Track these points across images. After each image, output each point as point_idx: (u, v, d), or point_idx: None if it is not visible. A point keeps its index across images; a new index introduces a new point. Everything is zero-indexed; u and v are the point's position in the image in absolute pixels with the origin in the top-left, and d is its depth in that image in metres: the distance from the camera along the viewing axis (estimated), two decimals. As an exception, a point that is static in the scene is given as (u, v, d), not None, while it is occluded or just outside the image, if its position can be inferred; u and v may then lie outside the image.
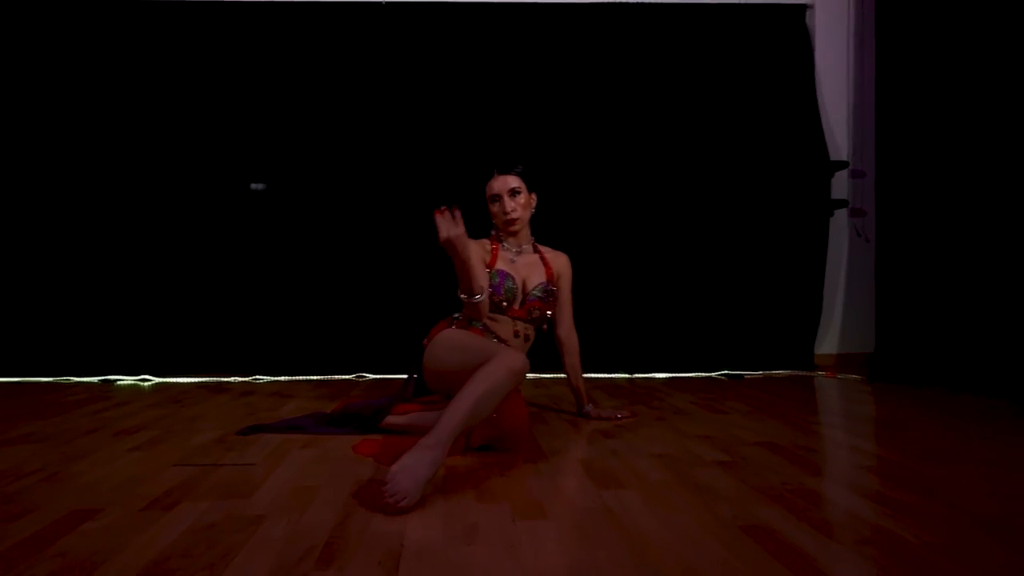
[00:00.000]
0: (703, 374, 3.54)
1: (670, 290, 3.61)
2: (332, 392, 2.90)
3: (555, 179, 3.48)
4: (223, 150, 3.52)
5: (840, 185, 3.76)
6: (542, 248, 2.31)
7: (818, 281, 3.69)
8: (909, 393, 2.88)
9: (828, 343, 3.80)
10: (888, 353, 3.36)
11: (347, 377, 3.43)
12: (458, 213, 1.67)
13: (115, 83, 3.50)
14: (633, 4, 3.68)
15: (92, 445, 1.86)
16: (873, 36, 3.69)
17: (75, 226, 3.46)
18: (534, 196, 2.25)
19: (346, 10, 3.60)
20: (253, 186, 3.53)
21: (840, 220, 3.79)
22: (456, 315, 2.17)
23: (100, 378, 3.35)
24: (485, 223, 2.28)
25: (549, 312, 2.24)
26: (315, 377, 3.42)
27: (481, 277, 2.03)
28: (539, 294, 2.19)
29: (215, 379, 3.33)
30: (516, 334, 2.17)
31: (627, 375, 3.50)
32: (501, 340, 2.12)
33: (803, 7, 3.82)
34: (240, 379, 3.35)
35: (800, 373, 3.57)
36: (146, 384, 3.24)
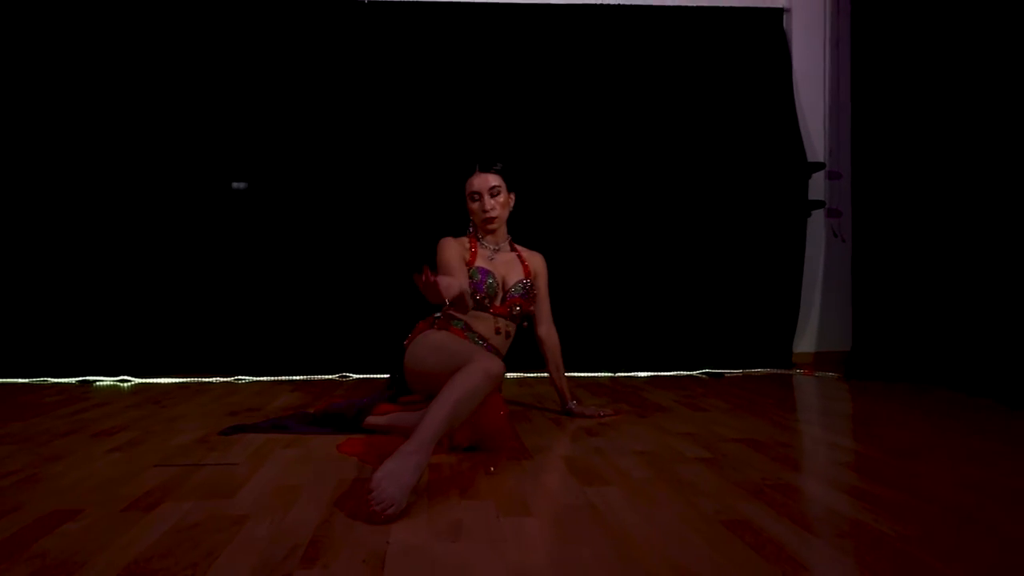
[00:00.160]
0: (684, 372, 3.58)
1: (652, 290, 3.64)
2: (315, 392, 2.89)
3: (538, 180, 3.50)
4: (204, 148, 3.48)
5: (817, 186, 3.82)
6: (518, 247, 2.34)
7: (796, 281, 3.75)
8: (885, 390, 2.94)
9: (806, 342, 3.85)
10: (864, 351, 3.42)
11: (330, 377, 3.41)
12: (426, 269, 1.55)
13: (92, 78, 3.44)
14: (612, 6, 3.71)
15: (70, 446, 1.84)
16: (848, 40, 3.76)
17: (52, 224, 3.40)
18: (512, 195, 2.27)
19: (328, 8, 3.58)
20: (234, 185, 3.49)
21: (817, 221, 3.85)
22: (437, 315, 2.17)
23: (78, 379, 3.30)
24: (462, 220, 2.30)
25: (530, 309, 2.27)
26: (298, 377, 3.40)
27: (461, 275, 2.05)
28: (519, 291, 2.21)
29: (196, 380, 3.29)
30: (497, 331, 2.19)
31: (610, 374, 3.52)
32: (483, 337, 2.13)
33: (780, 11, 3.87)
34: (222, 380, 3.31)
35: (779, 371, 3.62)
36: (125, 385, 3.19)
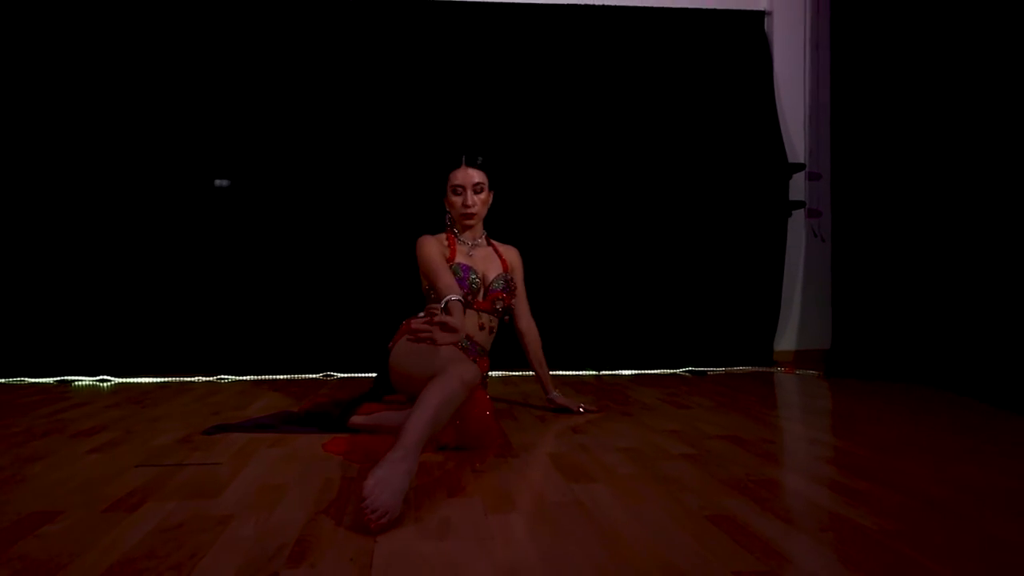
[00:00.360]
0: (668, 371, 3.60)
1: (635, 289, 3.67)
2: (300, 391, 2.86)
3: (521, 179, 3.51)
4: (186, 145, 3.44)
5: (797, 187, 3.87)
6: (493, 241, 2.37)
7: (777, 280, 3.80)
8: (864, 387, 2.99)
9: (787, 340, 3.90)
10: (844, 349, 3.48)
11: (315, 376, 3.39)
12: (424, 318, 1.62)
13: (65, 70, 3.38)
14: (593, 7, 3.73)
15: (49, 447, 1.81)
16: (828, 42, 3.81)
17: (28, 221, 3.34)
18: (492, 194, 2.28)
19: (308, 4, 3.55)
20: (217, 182, 3.45)
21: (798, 221, 3.90)
22: (420, 314, 2.17)
23: (56, 379, 3.24)
24: (437, 212, 2.31)
25: (512, 302, 2.29)
26: (282, 376, 3.37)
27: (446, 275, 2.05)
28: (500, 285, 2.23)
29: (178, 379, 3.25)
30: (481, 327, 2.19)
31: (594, 372, 3.54)
32: (467, 335, 2.13)
33: (761, 13, 3.91)
34: (204, 379, 3.27)
35: (760, 369, 3.67)
36: (105, 385, 3.14)
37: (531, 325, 2.41)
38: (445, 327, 1.64)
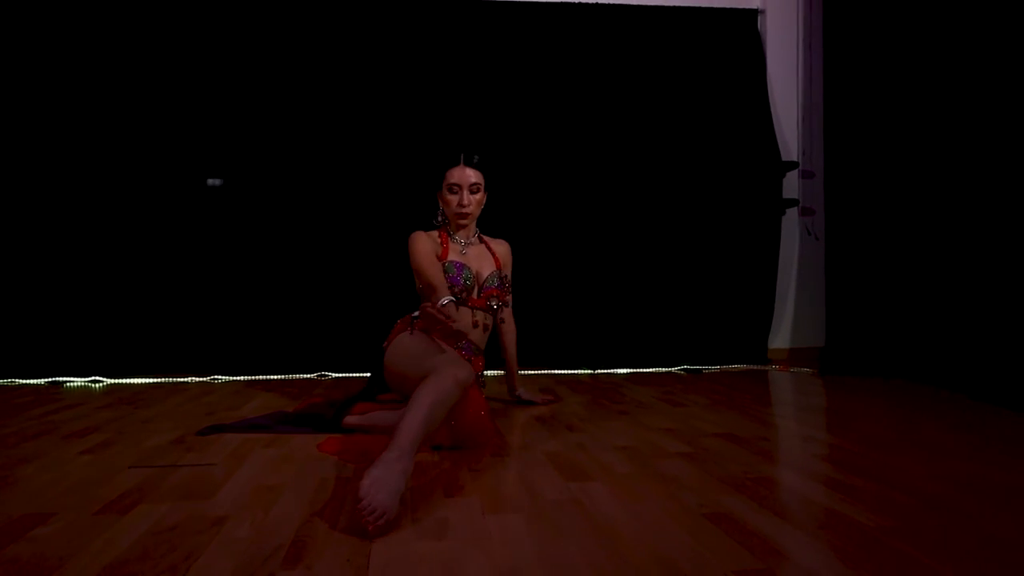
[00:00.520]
0: (663, 369, 3.60)
1: (630, 288, 3.66)
2: (294, 392, 2.85)
3: (516, 177, 3.50)
4: (178, 144, 3.41)
5: (791, 185, 3.88)
6: (486, 238, 2.37)
7: (771, 278, 3.80)
8: (859, 385, 3.00)
9: (781, 338, 3.91)
10: (838, 347, 3.49)
11: (309, 376, 3.37)
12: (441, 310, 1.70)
13: (56, 68, 3.35)
14: (587, 5, 3.72)
15: (40, 448, 1.79)
16: (821, 41, 3.82)
17: (18, 220, 3.30)
18: (486, 195, 2.28)
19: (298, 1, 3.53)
20: (209, 181, 3.43)
21: (791, 219, 3.91)
22: (416, 314, 2.16)
23: (47, 380, 3.21)
24: (431, 211, 2.30)
25: (507, 299, 2.29)
26: (276, 376, 3.35)
27: (435, 271, 2.05)
28: (494, 282, 2.24)
29: (171, 380, 3.22)
30: (475, 324, 2.19)
31: (590, 371, 3.53)
32: (462, 332, 2.12)
33: (755, 12, 3.92)
34: (197, 379, 3.25)
35: (755, 367, 3.67)
36: (97, 386, 3.12)
37: (511, 319, 2.45)
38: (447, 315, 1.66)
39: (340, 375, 3.38)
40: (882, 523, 1.19)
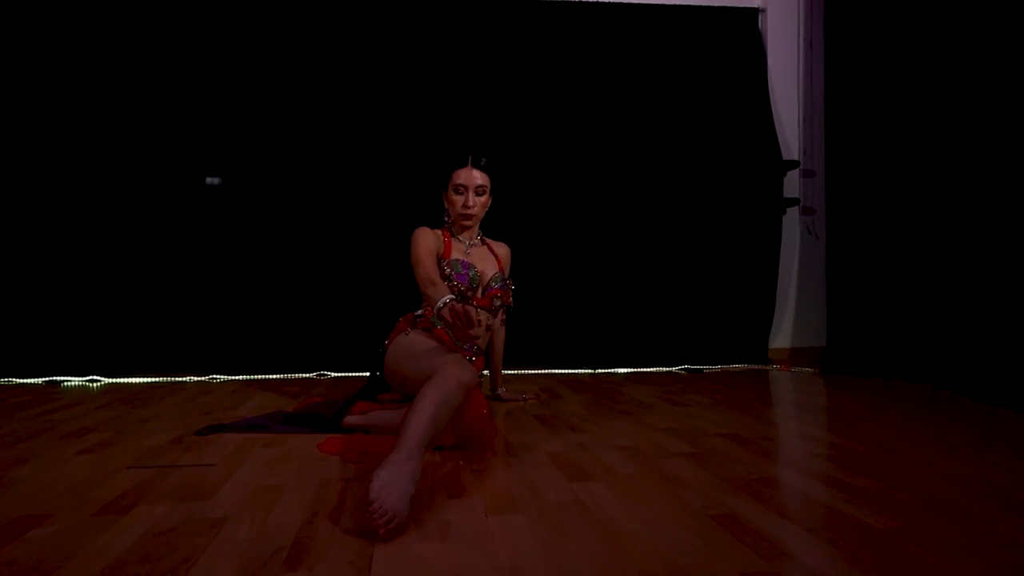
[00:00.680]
0: (664, 369, 3.59)
1: (631, 288, 3.66)
2: (293, 391, 2.83)
3: (517, 177, 3.48)
4: (177, 142, 3.39)
5: (792, 184, 3.87)
6: (487, 239, 2.39)
7: (772, 277, 3.79)
8: (860, 384, 2.99)
9: (781, 337, 3.90)
10: (839, 347, 3.48)
11: (308, 375, 3.35)
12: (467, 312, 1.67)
13: (55, 68, 3.33)
14: (588, 3, 3.71)
15: (37, 448, 1.77)
16: (822, 40, 3.81)
17: (15, 219, 3.28)
18: (491, 198, 2.28)
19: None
20: (208, 180, 3.41)
21: (792, 218, 3.90)
22: (418, 312, 2.15)
23: (44, 379, 3.19)
24: (433, 211, 2.30)
25: (509, 300, 2.28)
26: (275, 376, 3.33)
27: (430, 263, 2.05)
28: (498, 283, 2.24)
29: (169, 379, 3.21)
30: (479, 323, 2.17)
31: (590, 370, 3.52)
32: (471, 333, 2.12)
33: (755, 11, 3.91)
34: (196, 379, 3.24)
35: (756, 367, 3.66)
36: (95, 385, 3.10)
37: (502, 321, 2.46)
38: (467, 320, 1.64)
39: (340, 374, 3.37)
40: (887, 523, 1.18)
